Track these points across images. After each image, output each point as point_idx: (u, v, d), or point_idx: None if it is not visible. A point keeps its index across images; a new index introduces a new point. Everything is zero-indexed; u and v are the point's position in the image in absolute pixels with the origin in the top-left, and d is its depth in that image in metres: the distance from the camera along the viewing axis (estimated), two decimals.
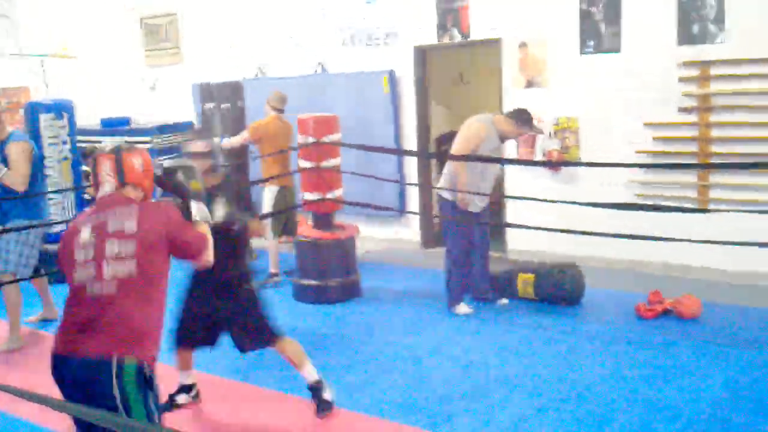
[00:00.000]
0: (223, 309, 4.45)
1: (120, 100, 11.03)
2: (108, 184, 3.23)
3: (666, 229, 5.95)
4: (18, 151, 5.87)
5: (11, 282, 5.86)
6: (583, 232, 5.20)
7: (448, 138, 6.67)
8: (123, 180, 3.22)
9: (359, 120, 8.54)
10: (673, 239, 5.21)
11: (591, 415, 4.44)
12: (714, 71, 6.74)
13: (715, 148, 6.80)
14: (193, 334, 4.54)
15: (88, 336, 2.94)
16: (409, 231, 8.95)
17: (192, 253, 3.28)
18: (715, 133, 6.81)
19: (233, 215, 4.26)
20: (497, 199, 7.34)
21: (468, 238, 6.39)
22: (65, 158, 7.76)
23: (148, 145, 9.19)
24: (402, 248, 8.79)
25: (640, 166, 6.03)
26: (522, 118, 6.21)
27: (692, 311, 5.95)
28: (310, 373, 4.55)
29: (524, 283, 6.55)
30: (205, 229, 3.45)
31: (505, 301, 6.57)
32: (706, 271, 6.86)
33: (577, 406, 4.56)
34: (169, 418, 4.21)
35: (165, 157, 8.03)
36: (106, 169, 3.22)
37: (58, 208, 7.73)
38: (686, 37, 6.83)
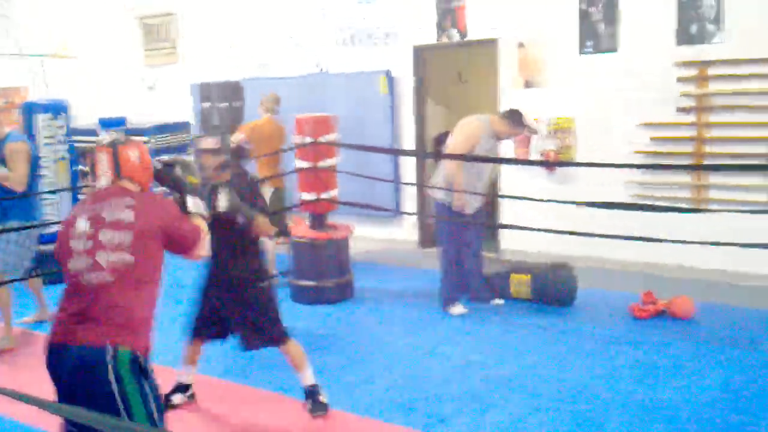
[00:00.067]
0: (233, 306, 4.49)
1: (118, 99, 11.03)
2: (105, 176, 3.26)
3: (661, 229, 5.96)
4: (16, 152, 5.88)
5: (3, 283, 5.86)
6: (578, 233, 5.21)
7: (446, 137, 6.67)
8: (119, 172, 3.25)
9: (357, 120, 8.54)
10: (668, 240, 5.20)
11: (586, 415, 4.44)
12: (712, 71, 6.74)
13: (712, 149, 6.80)
14: (206, 327, 4.60)
15: (83, 325, 2.95)
16: (405, 231, 8.95)
17: (187, 246, 3.29)
18: (713, 133, 6.81)
19: (237, 208, 4.28)
20: (490, 199, 7.34)
21: (462, 238, 6.39)
22: (62, 158, 7.77)
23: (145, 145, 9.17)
24: (398, 248, 8.79)
25: (636, 166, 6.03)
26: (516, 118, 6.22)
27: (685, 311, 5.96)
28: (308, 377, 4.57)
29: (518, 283, 6.55)
30: (201, 223, 3.47)
31: (500, 301, 6.57)
32: (702, 272, 6.86)
33: (572, 406, 4.55)
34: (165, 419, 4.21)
35: (162, 156, 8.03)
36: (103, 161, 3.26)
37: (53, 209, 7.72)
38: (685, 37, 6.83)
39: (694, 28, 6.76)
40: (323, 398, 4.56)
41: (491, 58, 8.10)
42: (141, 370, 2.99)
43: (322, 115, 7.01)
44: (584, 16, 7.36)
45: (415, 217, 8.73)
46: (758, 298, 6.32)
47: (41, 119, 7.63)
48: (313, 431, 4.49)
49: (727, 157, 6.63)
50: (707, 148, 6.83)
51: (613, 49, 7.24)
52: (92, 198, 3.24)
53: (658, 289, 6.24)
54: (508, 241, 8.01)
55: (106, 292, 2.98)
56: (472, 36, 8.09)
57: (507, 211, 7.91)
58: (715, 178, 6.84)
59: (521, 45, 7.75)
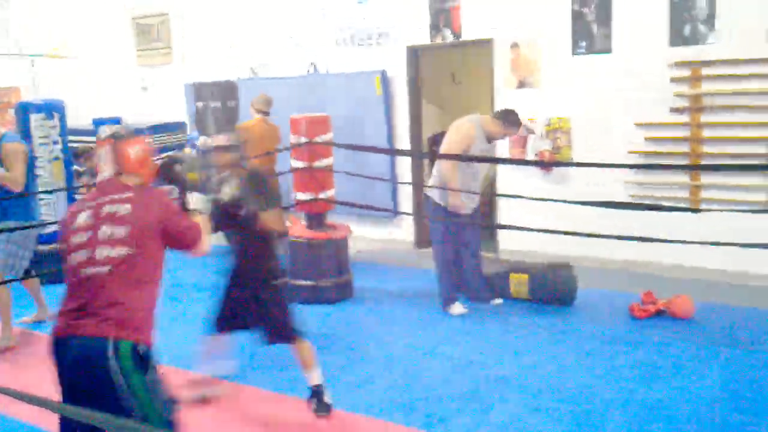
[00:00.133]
0: (250, 303, 4.55)
1: (113, 100, 10.99)
2: (106, 171, 3.27)
3: (658, 229, 5.98)
4: (13, 152, 5.87)
5: (2, 283, 5.84)
6: (577, 233, 5.21)
7: (441, 138, 6.68)
8: (120, 167, 3.25)
9: (352, 120, 8.54)
10: (666, 240, 5.21)
11: (586, 415, 4.45)
12: (706, 72, 6.77)
13: (706, 149, 6.83)
14: (227, 320, 4.64)
15: (85, 319, 2.96)
16: (402, 231, 8.95)
17: (187, 243, 3.29)
18: (706, 133, 6.84)
19: (241, 199, 4.28)
20: (488, 199, 7.34)
21: (459, 238, 6.39)
22: (56, 158, 7.73)
23: None
24: (395, 248, 8.79)
25: (631, 166, 6.00)
26: (509, 119, 6.22)
27: (685, 311, 5.97)
28: (315, 377, 4.58)
29: (517, 283, 6.56)
30: (201, 220, 3.47)
31: (499, 301, 6.58)
32: (699, 271, 6.88)
33: (572, 406, 4.56)
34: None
35: (157, 156, 8.00)
36: (103, 155, 3.28)
37: (50, 209, 7.68)
38: (678, 37, 6.85)
39: (686, 29, 6.79)
40: (328, 399, 4.57)
41: (485, 58, 8.11)
42: (142, 360, 2.99)
43: (317, 115, 7.00)
44: (577, 16, 7.37)
45: (411, 217, 8.72)
46: (758, 298, 6.34)
47: (34, 119, 7.60)
48: (314, 431, 4.49)
49: (722, 157, 6.65)
50: (702, 148, 6.85)
51: (606, 50, 7.25)
52: (94, 192, 3.25)
53: (658, 289, 6.25)
54: (507, 241, 8.01)
55: (106, 289, 2.99)
56: (466, 36, 8.09)
57: (505, 211, 7.91)
58: (711, 178, 6.86)
59: (515, 45, 7.76)
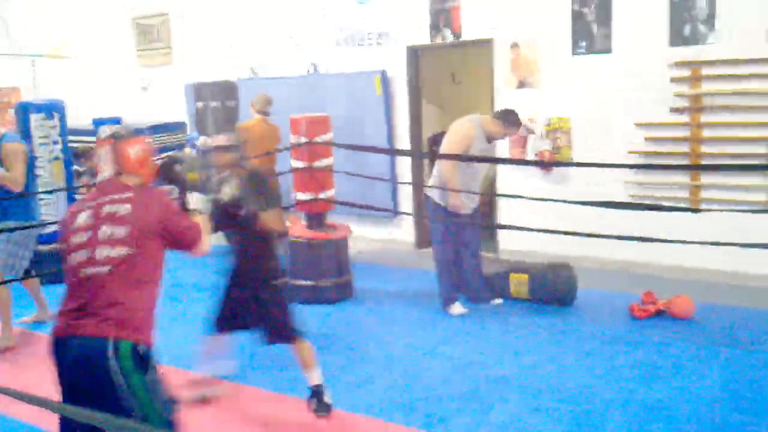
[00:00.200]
0: (250, 303, 4.55)
1: (113, 100, 10.99)
2: (106, 171, 3.27)
3: (658, 229, 5.98)
4: (13, 152, 5.87)
5: (2, 283, 5.84)
6: (577, 233, 5.21)
7: (441, 138, 6.67)
8: (120, 166, 3.26)
9: (352, 120, 8.54)
10: (666, 240, 5.21)
11: (586, 415, 4.45)
12: (706, 72, 6.77)
13: (706, 149, 6.82)
14: (227, 320, 4.65)
15: (85, 319, 2.96)
16: (402, 231, 8.95)
17: (187, 243, 3.29)
18: (706, 133, 6.83)
19: (241, 199, 4.28)
20: (488, 199, 7.34)
21: (459, 238, 6.39)
22: (56, 158, 7.72)
23: None
24: (395, 249, 8.79)
25: (631, 166, 6.02)
26: (509, 119, 6.22)
27: (685, 311, 5.97)
28: (315, 377, 4.58)
29: (518, 283, 6.56)
30: (201, 220, 3.47)
31: (499, 301, 6.58)
32: (699, 272, 6.88)
33: (572, 406, 4.56)
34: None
35: (157, 156, 8.00)
36: (103, 155, 3.28)
37: (50, 209, 7.68)
38: (678, 37, 6.85)
39: (686, 29, 6.79)
40: (328, 399, 4.57)
41: (485, 58, 8.11)
42: (142, 359, 2.99)
43: (317, 115, 7.00)
44: (577, 16, 7.37)
45: (411, 217, 8.72)
46: (758, 298, 6.34)
47: (34, 119, 7.60)
48: (314, 431, 4.49)
49: (722, 157, 6.65)
50: (702, 148, 6.85)
51: (606, 50, 7.25)
52: (94, 192, 3.26)
53: (658, 289, 6.25)
54: (507, 241, 8.01)
55: (106, 289, 2.99)
56: (466, 36, 8.09)
57: (505, 211, 7.91)
58: (711, 178, 6.86)
59: (514, 45, 7.75)
